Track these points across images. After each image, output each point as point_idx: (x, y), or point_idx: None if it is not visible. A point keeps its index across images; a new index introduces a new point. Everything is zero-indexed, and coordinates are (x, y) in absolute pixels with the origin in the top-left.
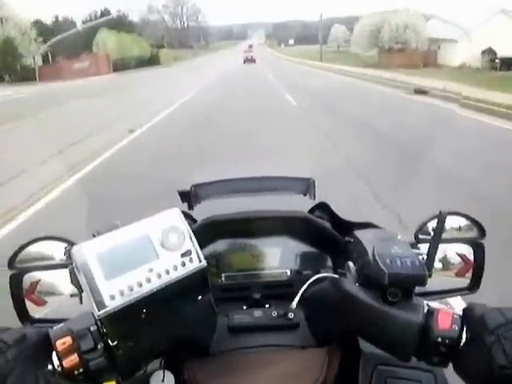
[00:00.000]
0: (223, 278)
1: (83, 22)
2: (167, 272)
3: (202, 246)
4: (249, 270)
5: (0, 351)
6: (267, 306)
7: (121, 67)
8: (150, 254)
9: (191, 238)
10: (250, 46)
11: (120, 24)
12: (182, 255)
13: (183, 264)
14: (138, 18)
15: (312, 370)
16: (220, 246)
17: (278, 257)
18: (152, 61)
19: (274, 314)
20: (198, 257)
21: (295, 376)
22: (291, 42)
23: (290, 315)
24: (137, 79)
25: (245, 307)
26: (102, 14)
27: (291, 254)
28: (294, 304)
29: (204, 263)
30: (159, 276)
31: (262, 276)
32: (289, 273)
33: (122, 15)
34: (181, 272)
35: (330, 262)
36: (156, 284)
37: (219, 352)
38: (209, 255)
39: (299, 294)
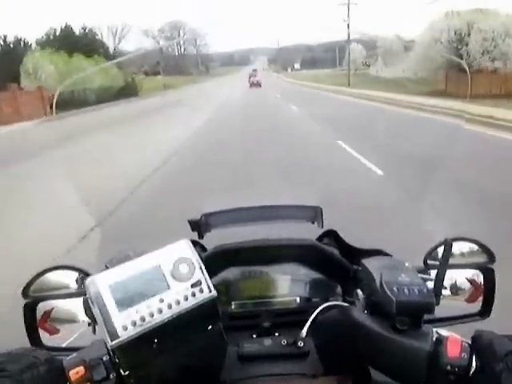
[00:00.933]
0: (233, 306)
1: (37, 44)
2: (178, 302)
3: (212, 275)
4: (258, 297)
5: (34, 365)
6: (277, 334)
7: (73, 103)
8: (162, 284)
9: (201, 269)
10: (254, 71)
11: (87, 46)
12: (193, 286)
13: (193, 294)
14: (133, 46)
15: None
16: (230, 273)
17: (287, 284)
18: (127, 91)
19: (284, 342)
20: (208, 287)
21: None
22: (297, 66)
23: (300, 343)
24: (70, 130)
25: (254, 335)
26: (63, 33)
27: (300, 281)
28: (304, 332)
29: (214, 293)
30: (170, 306)
31: (272, 304)
32: (298, 300)
33: (89, 32)
34: (191, 302)
35: (339, 290)
36: (167, 314)
37: (229, 381)
38: (219, 283)
39: (308, 323)
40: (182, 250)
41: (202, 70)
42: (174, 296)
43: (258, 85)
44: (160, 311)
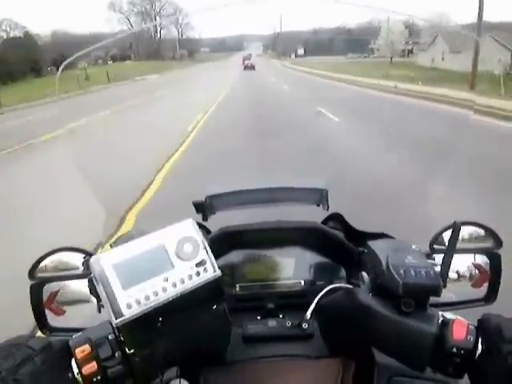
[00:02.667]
0: (238, 288)
1: None
2: (182, 281)
3: (216, 257)
4: (263, 280)
5: (29, 357)
6: (281, 316)
7: None
8: (166, 263)
9: (206, 248)
10: (249, 55)
11: None
12: (197, 265)
13: (198, 274)
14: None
15: (326, 381)
16: (234, 256)
17: (291, 267)
18: None
19: (288, 324)
20: (213, 266)
21: None
22: (300, 51)
23: (304, 325)
24: None
25: (259, 317)
26: None
27: (305, 264)
28: (308, 314)
29: (218, 273)
30: (174, 285)
31: (276, 286)
32: (303, 283)
33: None
34: (195, 281)
35: (343, 273)
36: (171, 293)
37: (234, 361)
38: (223, 265)
39: (313, 305)
40: (186, 230)
41: (183, 54)
42: (178, 275)
43: (252, 67)
44: (165, 290)
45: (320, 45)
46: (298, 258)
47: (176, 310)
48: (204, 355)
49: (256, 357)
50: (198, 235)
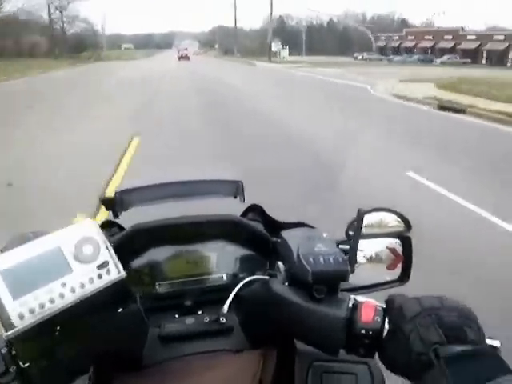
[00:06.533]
0: (157, 287)
1: None
2: (82, 286)
3: (132, 255)
4: (184, 276)
5: None
6: (200, 312)
7: None
8: (63, 267)
9: (107, 248)
10: (185, 49)
11: None
12: (99, 267)
13: (100, 276)
14: None
15: (248, 373)
16: (152, 254)
17: (213, 262)
18: None
19: (206, 319)
20: (117, 268)
21: (231, 380)
22: (277, 47)
23: (222, 320)
24: None
25: (177, 316)
26: None
27: (226, 258)
28: (226, 308)
29: (123, 274)
30: (73, 290)
31: (199, 282)
32: (225, 277)
33: None
34: (97, 285)
35: (266, 264)
36: (70, 299)
37: (151, 363)
38: (141, 264)
39: (230, 298)
40: (85, 230)
41: (60, 52)
42: (77, 279)
43: (187, 58)
44: (62, 296)
45: (311, 41)
46: (219, 252)
47: (76, 316)
48: (118, 360)
49: (174, 356)
50: (99, 235)
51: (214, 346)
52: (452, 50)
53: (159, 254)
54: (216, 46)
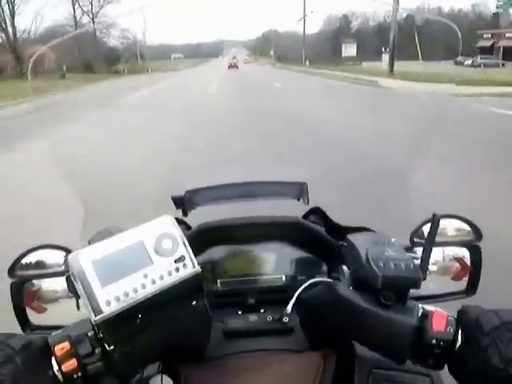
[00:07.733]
0: (219, 284)
1: None
2: (161, 278)
3: (196, 253)
4: (244, 275)
5: (10, 357)
6: (262, 310)
7: None
8: (145, 260)
9: (185, 244)
10: (234, 58)
11: None
12: (176, 261)
13: (177, 270)
14: None
15: (307, 374)
16: (215, 252)
17: (272, 262)
18: None
19: (269, 318)
20: (192, 262)
21: (290, 380)
22: (351, 51)
23: (285, 319)
24: None
25: (240, 312)
26: None
27: (286, 259)
28: (289, 308)
29: (198, 268)
30: (153, 282)
31: (257, 282)
32: (284, 278)
33: None
34: (175, 278)
35: (324, 267)
36: (150, 290)
37: (215, 356)
38: (204, 261)
39: (294, 299)
40: (164, 226)
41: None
42: (157, 271)
43: (236, 66)
44: (144, 286)
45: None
46: (279, 253)
47: (155, 306)
48: (185, 351)
49: (237, 351)
50: (177, 231)
51: (276, 345)
52: None
53: (221, 252)
54: (271, 53)
